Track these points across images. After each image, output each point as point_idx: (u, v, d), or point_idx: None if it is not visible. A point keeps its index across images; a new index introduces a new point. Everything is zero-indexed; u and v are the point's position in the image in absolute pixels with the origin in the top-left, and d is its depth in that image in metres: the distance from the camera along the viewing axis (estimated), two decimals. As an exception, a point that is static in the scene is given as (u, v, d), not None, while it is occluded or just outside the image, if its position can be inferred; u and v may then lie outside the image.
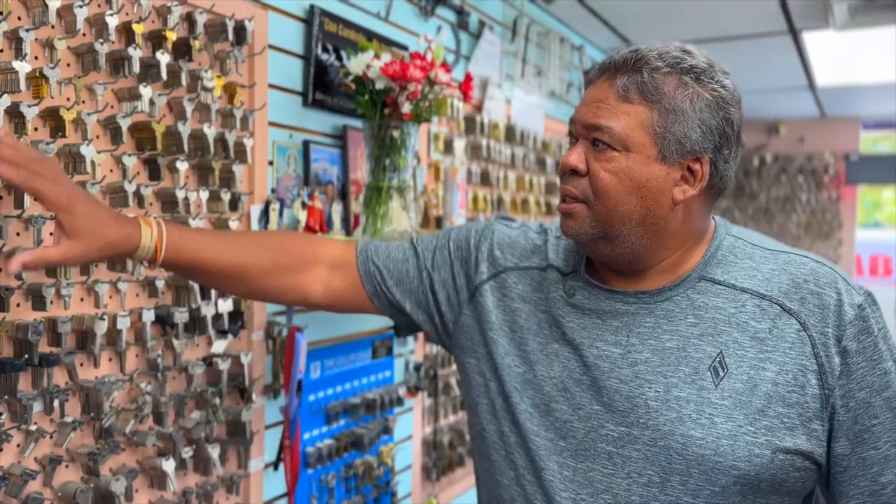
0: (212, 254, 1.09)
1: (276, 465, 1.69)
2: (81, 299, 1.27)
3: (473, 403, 1.12)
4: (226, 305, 1.52)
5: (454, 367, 2.32)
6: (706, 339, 0.94)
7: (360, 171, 1.92)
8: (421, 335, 2.26)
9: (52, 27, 1.20)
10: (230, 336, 1.54)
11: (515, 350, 1.06)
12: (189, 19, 1.44)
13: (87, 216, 0.96)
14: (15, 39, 1.14)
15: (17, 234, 1.18)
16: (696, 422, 0.91)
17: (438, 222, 2.20)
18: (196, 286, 1.44)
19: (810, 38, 3.37)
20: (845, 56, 3.74)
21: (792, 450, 0.91)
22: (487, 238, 1.16)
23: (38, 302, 1.19)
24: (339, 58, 1.83)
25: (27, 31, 1.14)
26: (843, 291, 0.94)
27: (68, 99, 1.23)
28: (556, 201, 3.15)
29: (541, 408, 1.01)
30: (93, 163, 1.24)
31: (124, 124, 1.30)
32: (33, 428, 1.18)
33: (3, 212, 1.14)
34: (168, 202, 1.41)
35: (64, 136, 1.20)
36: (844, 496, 0.94)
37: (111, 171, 1.32)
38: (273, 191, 1.67)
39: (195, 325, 1.46)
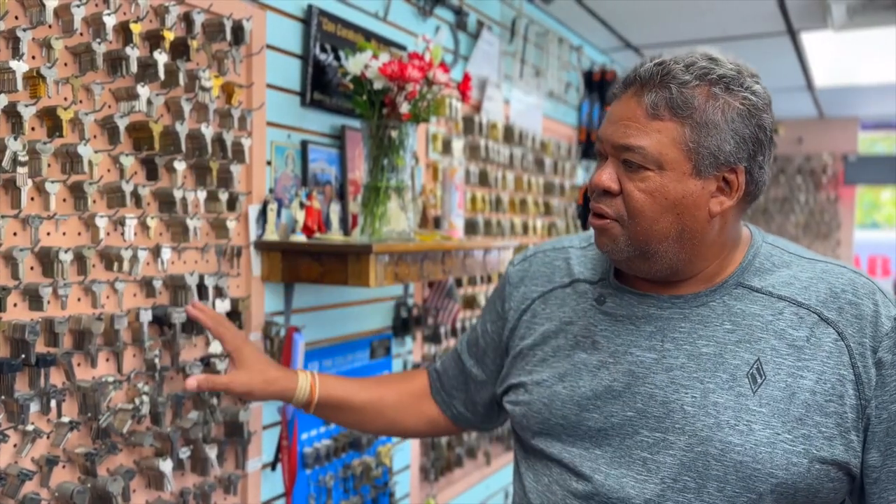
0: (355, 389, 1.29)
1: (273, 466, 1.69)
2: (79, 299, 1.27)
3: (514, 426, 1.13)
4: (223, 305, 1.51)
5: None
6: (743, 346, 0.93)
7: (359, 171, 1.92)
8: (419, 335, 2.26)
9: (50, 27, 1.20)
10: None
11: (545, 368, 1.05)
12: (187, 19, 1.43)
13: (253, 355, 1.27)
14: (12, 39, 1.14)
15: (14, 233, 1.18)
16: (734, 428, 0.91)
17: (437, 222, 2.20)
18: (194, 286, 1.44)
19: (809, 39, 3.37)
20: (844, 57, 3.75)
21: (829, 460, 0.90)
22: (506, 292, 1.18)
23: (35, 302, 1.19)
24: (337, 58, 1.83)
25: (24, 30, 1.14)
26: (880, 303, 0.93)
27: (66, 98, 1.23)
28: (554, 201, 3.15)
29: (570, 418, 1.01)
30: (90, 162, 1.24)
31: (122, 124, 1.30)
32: (30, 428, 1.18)
33: (1, 212, 1.14)
34: (165, 202, 1.41)
35: (61, 135, 1.20)
36: None
37: (108, 170, 1.32)
38: (271, 191, 1.67)
39: (193, 325, 1.45)
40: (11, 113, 1.14)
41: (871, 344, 0.91)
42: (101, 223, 1.28)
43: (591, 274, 1.08)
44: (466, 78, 1.81)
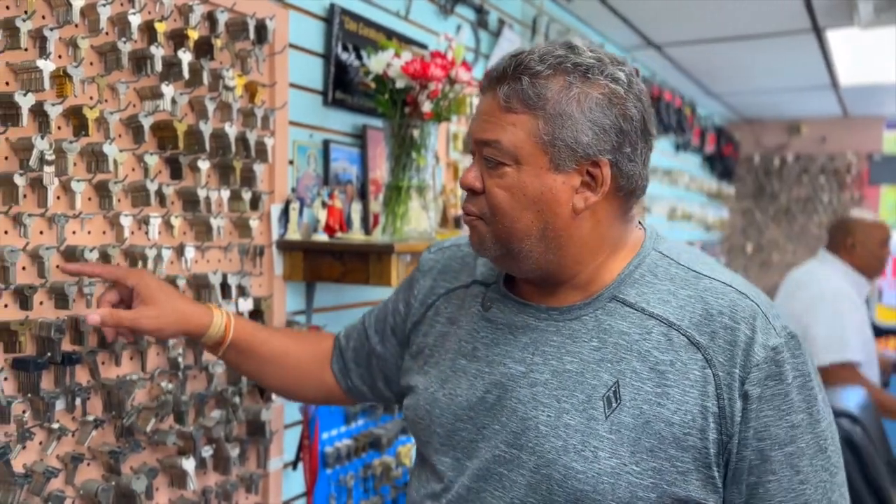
0: (265, 336, 1.23)
1: (294, 465, 1.69)
2: (103, 298, 1.27)
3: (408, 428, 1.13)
4: (246, 304, 1.51)
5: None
6: (605, 366, 0.88)
7: (380, 171, 1.91)
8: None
9: (76, 26, 1.21)
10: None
11: (434, 371, 1.02)
12: (210, 18, 1.44)
13: (161, 288, 1.15)
14: (39, 38, 1.15)
15: (41, 232, 1.18)
16: (579, 453, 0.85)
17: (457, 222, 2.19)
18: (217, 284, 1.44)
19: (834, 37, 3.32)
20: (869, 54, 3.69)
21: (682, 496, 0.83)
22: (416, 278, 1.15)
23: (61, 300, 1.19)
24: (359, 57, 1.83)
25: (51, 29, 1.15)
26: (758, 329, 0.84)
27: (91, 98, 1.24)
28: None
29: (447, 427, 0.98)
30: (115, 161, 1.24)
31: (146, 123, 1.30)
32: (56, 426, 1.19)
33: (27, 210, 1.14)
34: (189, 201, 1.41)
35: (87, 134, 1.20)
36: None
37: (133, 169, 1.32)
38: (293, 190, 1.67)
39: (215, 324, 1.45)
40: (38, 112, 1.14)
41: (740, 374, 0.83)
42: (126, 222, 1.28)
43: (488, 276, 1.04)
44: (489, 76, 1.80)
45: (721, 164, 5.39)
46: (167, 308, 1.14)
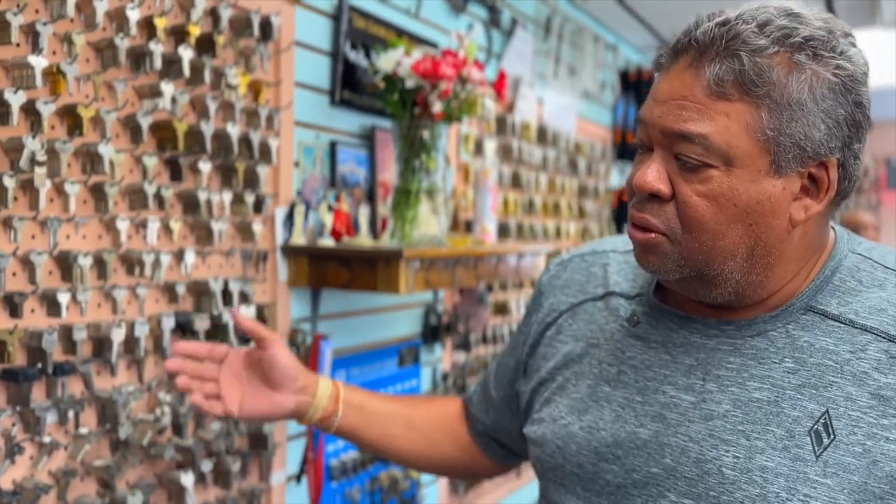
0: (380, 398, 1.09)
1: (298, 479, 1.63)
2: (98, 305, 1.22)
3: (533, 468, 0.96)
4: (248, 312, 1.46)
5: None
6: (807, 393, 0.72)
7: (389, 173, 1.85)
8: (449, 343, 2.19)
9: (71, 21, 1.15)
10: (253, 344, 1.49)
11: (564, 400, 0.87)
12: (213, 14, 1.38)
13: (294, 367, 1.01)
14: (31, 33, 1.09)
15: (32, 236, 1.13)
16: (786, 503, 0.70)
17: (468, 226, 2.13)
18: (218, 291, 1.39)
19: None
20: (890, 57, 3.61)
21: None
22: (535, 303, 0.99)
23: (53, 308, 1.14)
24: (367, 55, 1.77)
25: (44, 24, 1.10)
26: None
27: (87, 96, 1.19)
28: (588, 204, 3.06)
29: (587, 468, 0.82)
30: (111, 162, 1.19)
31: (145, 123, 1.25)
32: (47, 440, 1.13)
33: (18, 213, 1.09)
34: (189, 204, 1.36)
35: (81, 134, 1.15)
36: None
37: (131, 171, 1.27)
38: (298, 193, 1.62)
39: (217, 332, 1.40)
40: (30, 110, 1.09)
41: None
42: (123, 226, 1.23)
43: (630, 286, 0.88)
44: (502, 76, 1.75)
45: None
46: (291, 392, 0.99)
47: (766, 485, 0.71)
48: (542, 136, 2.64)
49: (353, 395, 1.04)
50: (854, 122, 0.73)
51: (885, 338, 0.72)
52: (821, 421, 0.71)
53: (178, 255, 1.35)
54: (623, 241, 0.94)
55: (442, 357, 2.17)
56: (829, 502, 0.69)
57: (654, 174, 0.73)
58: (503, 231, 2.40)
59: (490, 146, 2.29)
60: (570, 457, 0.83)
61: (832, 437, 0.70)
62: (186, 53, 1.30)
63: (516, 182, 2.49)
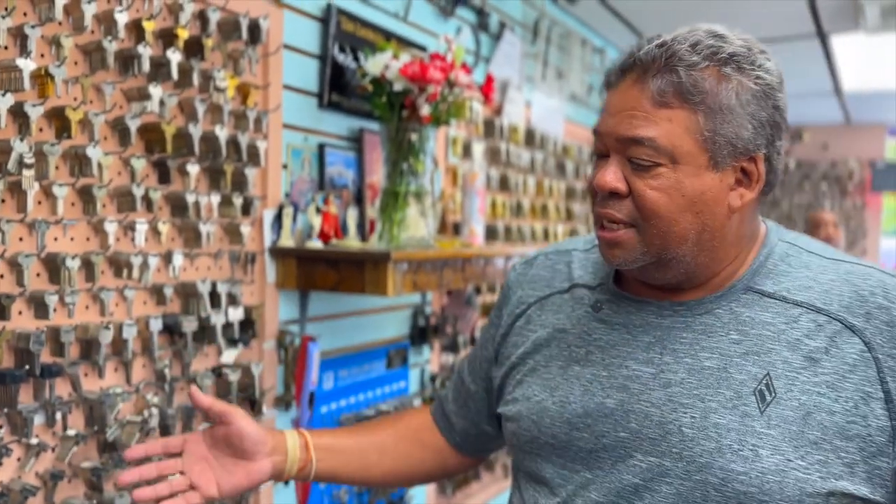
0: (346, 433, 1.15)
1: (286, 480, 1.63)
2: (86, 307, 1.23)
3: (507, 443, 1.04)
4: (236, 314, 1.46)
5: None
6: (751, 359, 0.83)
7: (377, 176, 1.86)
8: (437, 344, 2.20)
9: (59, 24, 1.16)
10: (241, 345, 1.49)
11: (537, 381, 0.96)
12: (202, 17, 1.39)
13: (261, 435, 1.01)
14: (20, 36, 1.10)
15: (20, 238, 1.13)
16: (737, 453, 0.80)
17: (456, 228, 2.14)
18: (206, 293, 1.39)
19: (839, 42, 3.29)
20: (874, 60, 3.66)
21: (850, 491, 0.79)
22: (505, 298, 1.08)
23: (41, 310, 1.14)
24: (356, 58, 1.78)
25: (33, 27, 1.10)
26: None
27: (75, 98, 1.19)
28: (576, 207, 3.08)
29: (560, 438, 0.91)
30: (100, 165, 1.20)
31: (133, 125, 1.25)
32: (34, 441, 1.14)
33: (6, 216, 1.09)
34: (178, 206, 1.36)
35: (70, 137, 1.15)
36: None
37: (119, 173, 1.27)
38: (287, 195, 1.62)
39: (204, 334, 1.40)
40: (18, 113, 1.09)
41: None
42: (111, 228, 1.23)
43: (591, 278, 0.99)
44: (489, 79, 1.76)
45: (722, 170, 5.36)
46: (265, 458, 1.01)
47: (720, 439, 0.81)
48: (530, 138, 2.66)
49: (321, 439, 1.08)
50: (774, 123, 0.85)
51: (812, 310, 0.84)
52: (763, 382, 0.82)
53: (167, 258, 1.35)
54: (583, 241, 1.06)
55: (430, 359, 2.18)
56: (774, 450, 0.79)
57: (612, 175, 0.85)
58: (491, 233, 2.41)
59: (478, 149, 2.31)
60: (544, 429, 0.92)
61: (773, 395, 0.81)
62: (175, 56, 1.30)
63: (504, 185, 2.50)
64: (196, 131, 1.34)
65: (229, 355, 1.47)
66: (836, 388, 0.80)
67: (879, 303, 0.83)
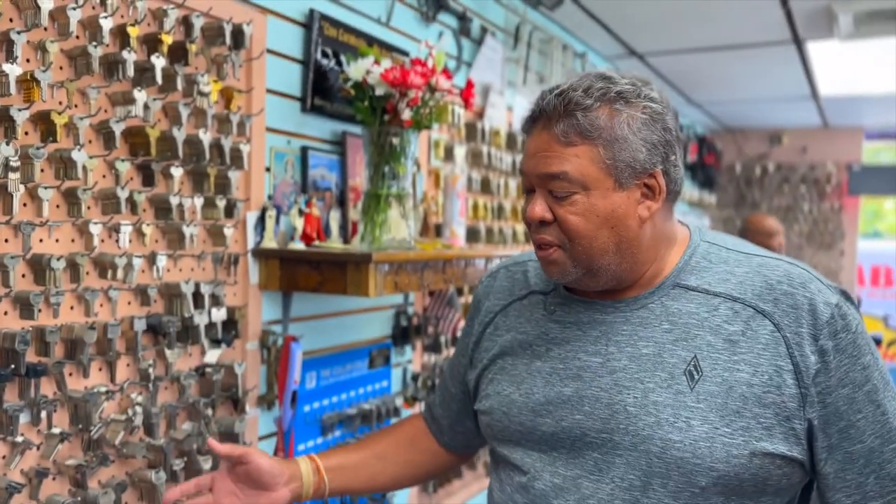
0: (349, 449, 1.26)
1: (269, 477, 1.66)
2: (71, 307, 1.25)
3: (485, 437, 1.16)
4: (219, 314, 1.49)
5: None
6: (680, 344, 0.97)
7: (359, 178, 1.89)
8: (419, 345, 2.23)
9: (45, 29, 1.18)
10: (224, 345, 1.52)
11: (506, 378, 1.09)
12: (186, 23, 1.41)
13: (274, 467, 1.13)
14: (6, 41, 1.12)
15: (6, 240, 1.15)
16: (673, 425, 0.93)
17: (438, 230, 2.17)
18: (189, 294, 1.41)
19: (815, 48, 3.35)
20: (849, 66, 3.73)
21: (770, 449, 0.92)
22: (476, 309, 1.21)
23: (26, 310, 1.16)
24: (338, 63, 1.81)
25: (19, 33, 1.12)
26: (816, 291, 0.95)
27: (60, 103, 1.21)
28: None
29: (526, 424, 1.04)
30: (84, 168, 1.22)
31: (118, 129, 1.27)
32: (19, 439, 1.16)
33: (-9, 218, 1.11)
34: (161, 208, 1.38)
35: (55, 140, 1.18)
36: (831, 489, 0.96)
37: (104, 176, 1.29)
38: (270, 197, 1.65)
39: (188, 334, 1.43)
40: (4, 117, 1.11)
41: (811, 332, 0.93)
42: (96, 230, 1.26)
43: (545, 285, 1.12)
44: (469, 84, 1.79)
45: (703, 172, 5.42)
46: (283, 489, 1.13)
47: (658, 414, 0.94)
48: (512, 142, 2.69)
49: (330, 460, 1.21)
50: (666, 142, 0.99)
51: (730, 299, 0.98)
52: (691, 363, 0.95)
53: (151, 259, 1.37)
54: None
55: (412, 358, 2.21)
56: (703, 420, 0.92)
57: (539, 207, 0.99)
58: (473, 235, 2.44)
59: (460, 152, 2.34)
60: (513, 417, 1.05)
61: (700, 373, 0.95)
62: (159, 62, 1.32)
63: (486, 187, 2.54)
64: (180, 135, 1.37)
65: (212, 355, 1.49)
66: (752, 364, 0.93)
67: (785, 289, 0.96)
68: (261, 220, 1.60)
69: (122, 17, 1.30)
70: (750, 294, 0.97)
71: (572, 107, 0.96)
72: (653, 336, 0.99)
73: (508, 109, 2.70)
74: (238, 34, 1.50)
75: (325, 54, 1.77)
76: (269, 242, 1.60)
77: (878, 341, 4.67)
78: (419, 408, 2.23)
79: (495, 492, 1.10)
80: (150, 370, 1.36)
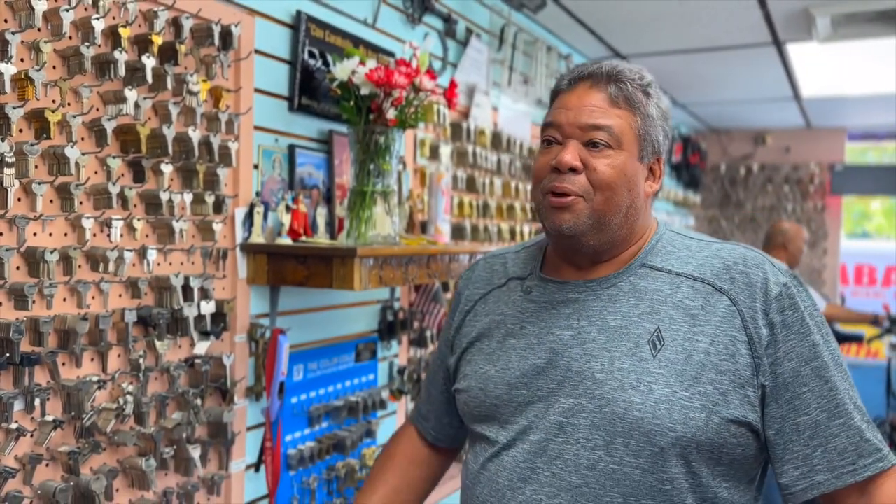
0: (371, 492, 1.28)
1: (257, 467, 1.70)
2: (64, 299, 1.29)
3: (461, 415, 1.20)
4: (208, 307, 1.53)
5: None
6: (645, 318, 1.05)
7: (346, 176, 1.93)
8: (405, 339, 2.27)
9: (39, 30, 1.22)
10: (212, 338, 1.56)
11: (482, 357, 1.15)
12: (175, 24, 1.45)
13: None
14: (1, 42, 1.16)
15: (1, 233, 1.19)
16: (636, 389, 1.00)
17: (423, 227, 2.22)
18: (179, 287, 1.46)
19: (795, 50, 3.42)
20: (830, 68, 3.79)
21: (725, 414, 0.99)
22: (456, 301, 1.27)
23: (21, 301, 1.20)
24: (325, 63, 1.85)
25: (13, 33, 1.16)
26: (769, 272, 1.04)
27: (54, 101, 1.25)
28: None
29: (502, 398, 1.10)
30: (77, 164, 1.26)
31: (109, 127, 1.31)
32: (14, 426, 1.19)
33: (-13, 212, 1.15)
34: (152, 204, 1.42)
35: (49, 137, 1.21)
36: (780, 460, 1.02)
37: (96, 172, 1.33)
38: (258, 194, 1.69)
39: (178, 326, 1.47)
40: (-1, 115, 1.15)
41: (763, 307, 1.01)
42: (88, 224, 1.29)
43: (522, 271, 1.20)
44: (452, 85, 1.84)
45: (688, 172, 5.49)
46: None
47: (622, 379, 1.02)
48: (497, 141, 2.74)
49: None
50: (670, 138, 1.12)
51: (691, 278, 1.07)
52: (655, 334, 1.03)
53: (141, 253, 1.41)
54: (515, 247, 1.28)
55: (398, 352, 2.25)
56: (664, 384, 1.00)
57: (571, 155, 1.05)
58: (459, 232, 2.49)
59: (445, 151, 2.39)
60: (489, 392, 1.11)
61: (662, 343, 1.03)
62: (149, 62, 1.37)
63: (472, 185, 2.59)
64: (170, 133, 1.41)
65: (201, 347, 1.53)
66: (710, 335, 1.02)
67: (740, 269, 1.05)
68: (249, 216, 1.64)
69: (113, 18, 1.34)
70: (709, 274, 1.06)
71: (622, 76, 1.06)
72: (620, 310, 1.06)
73: (493, 109, 2.75)
74: (227, 35, 1.54)
75: (311, 55, 1.81)
76: (257, 238, 1.64)
77: (859, 339, 4.74)
78: (405, 401, 2.28)
79: (470, 464, 1.14)
80: (141, 361, 1.40)
